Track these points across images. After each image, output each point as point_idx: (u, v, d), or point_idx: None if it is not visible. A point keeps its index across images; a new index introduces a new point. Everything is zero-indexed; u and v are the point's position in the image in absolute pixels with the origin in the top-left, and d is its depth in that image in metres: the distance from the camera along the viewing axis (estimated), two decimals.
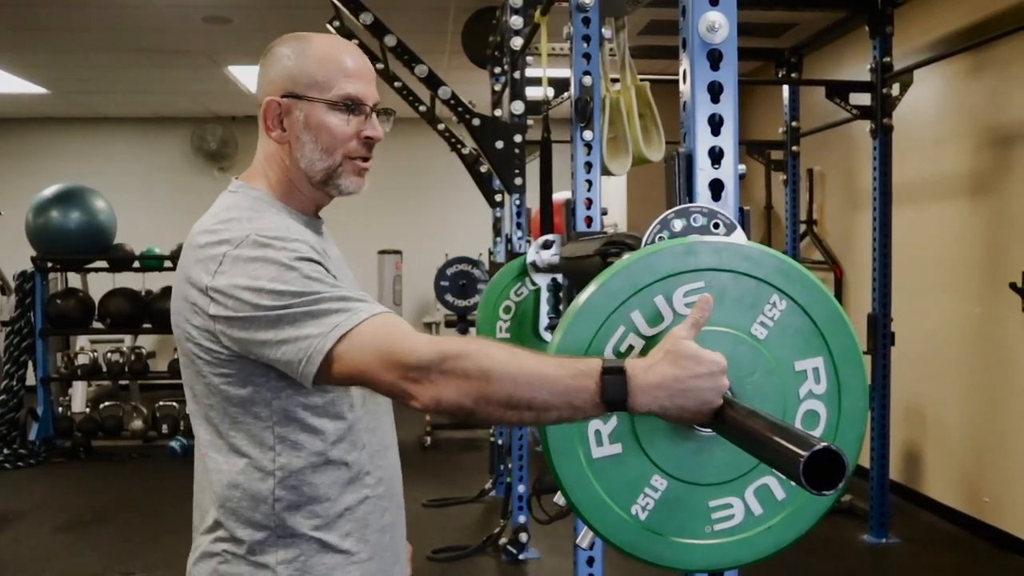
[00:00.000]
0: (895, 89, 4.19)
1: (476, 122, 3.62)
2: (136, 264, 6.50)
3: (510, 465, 4.20)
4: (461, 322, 6.16)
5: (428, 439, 6.34)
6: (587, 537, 1.48)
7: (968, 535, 4.31)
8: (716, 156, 1.22)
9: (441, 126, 5.03)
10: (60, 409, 6.45)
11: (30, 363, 6.27)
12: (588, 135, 2.31)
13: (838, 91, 4.39)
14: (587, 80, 2.29)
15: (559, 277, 2.39)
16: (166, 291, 6.11)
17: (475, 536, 4.27)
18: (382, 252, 8.36)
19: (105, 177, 8.13)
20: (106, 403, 6.46)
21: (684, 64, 1.23)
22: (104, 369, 6.49)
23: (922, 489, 4.79)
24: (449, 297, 6.08)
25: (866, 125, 4.27)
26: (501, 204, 4.99)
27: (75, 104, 8.21)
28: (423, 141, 7.90)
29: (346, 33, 4.02)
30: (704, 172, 1.22)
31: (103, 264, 6.53)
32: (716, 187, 1.22)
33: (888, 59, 4.17)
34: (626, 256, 1.08)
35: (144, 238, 6.88)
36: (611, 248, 1.48)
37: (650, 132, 2.35)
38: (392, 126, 1.33)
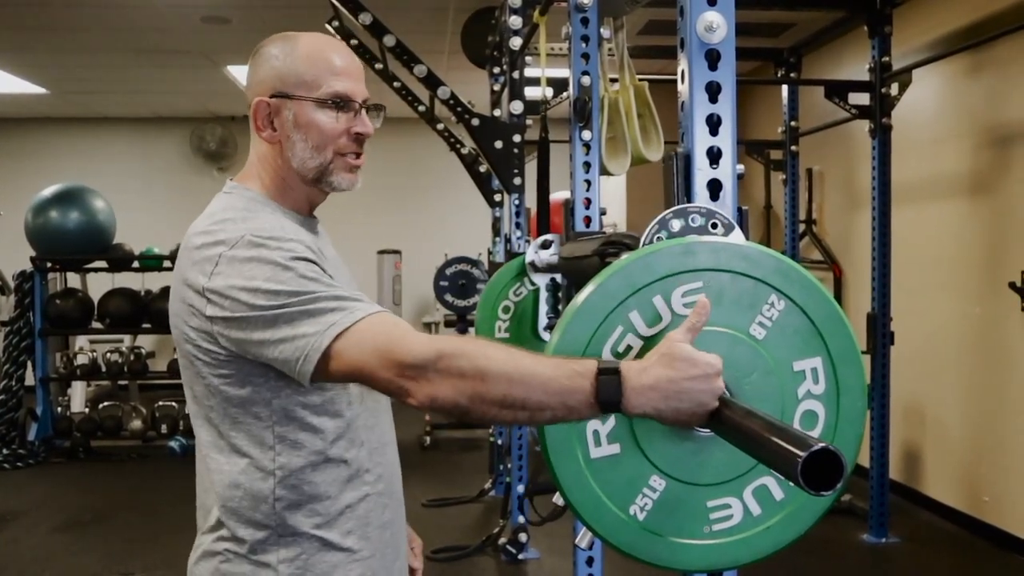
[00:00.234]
0: (894, 89, 4.19)
1: (475, 122, 3.62)
2: (135, 264, 6.50)
3: (509, 465, 4.20)
4: (460, 322, 6.16)
5: (428, 439, 6.34)
6: (586, 537, 1.48)
7: (968, 534, 4.31)
8: (714, 156, 1.22)
9: (440, 126, 5.03)
10: (59, 409, 6.45)
11: (29, 363, 6.27)
12: (587, 135, 2.31)
13: (837, 91, 4.39)
14: (586, 80, 2.29)
15: (558, 277, 2.39)
16: (165, 291, 6.10)
17: (475, 536, 4.27)
18: (381, 252, 8.36)
19: (104, 177, 8.13)
20: (105, 403, 6.46)
21: (682, 64, 1.23)
22: (103, 369, 6.48)
23: (922, 488, 4.79)
24: (448, 297, 6.08)
25: (865, 125, 4.27)
26: (500, 204, 4.99)
27: (74, 104, 8.21)
28: (422, 141, 7.91)
29: (345, 33, 4.02)
30: (702, 172, 1.22)
31: (102, 264, 6.53)
32: (714, 187, 1.22)
33: (887, 59, 4.17)
34: (624, 256, 1.08)
35: (143, 238, 6.88)
36: (609, 248, 1.49)
37: (649, 132, 2.35)
38: (383, 122, 1.33)
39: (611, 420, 1.06)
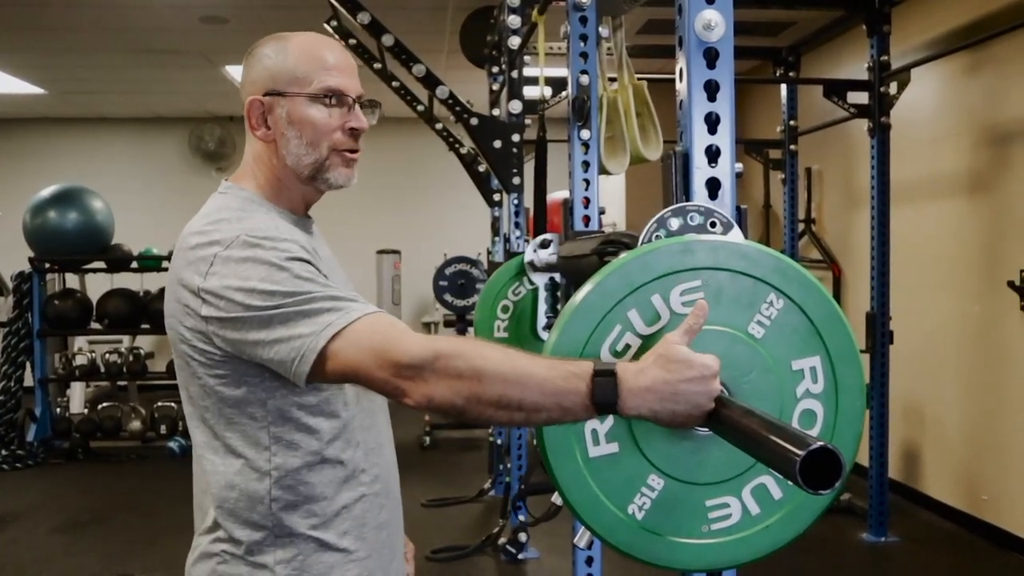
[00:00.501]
0: (893, 88, 4.19)
1: (474, 121, 3.61)
2: (134, 264, 6.50)
3: (509, 465, 4.20)
4: (460, 322, 6.16)
5: (427, 439, 6.34)
6: (585, 537, 1.47)
7: (967, 533, 4.31)
8: (713, 155, 1.22)
9: (439, 126, 5.02)
10: (58, 410, 6.44)
11: (28, 364, 6.27)
12: (585, 134, 2.31)
13: (836, 90, 4.38)
14: (584, 79, 2.28)
15: (557, 276, 2.39)
16: (164, 292, 6.09)
17: (474, 536, 4.26)
18: (380, 252, 8.36)
19: (103, 177, 8.12)
20: (104, 404, 6.45)
21: (680, 63, 1.22)
22: (102, 370, 6.48)
23: (921, 487, 4.79)
24: (448, 297, 6.08)
25: (864, 124, 4.27)
26: (499, 203, 4.99)
27: (72, 104, 8.20)
28: (421, 141, 7.90)
29: (344, 33, 4.02)
30: (701, 171, 1.22)
31: (101, 264, 6.52)
32: (713, 186, 1.22)
33: (886, 58, 4.17)
34: (623, 255, 1.08)
35: (142, 238, 6.88)
36: (608, 247, 1.48)
37: (648, 131, 2.35)
38: (382, 122, 1.33)
39: (609, 419, 1.06)
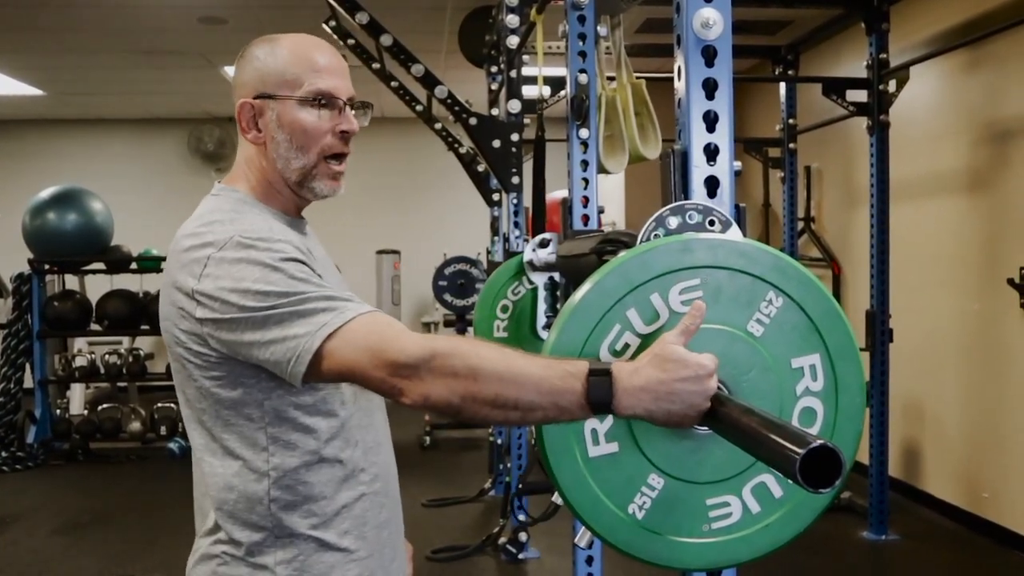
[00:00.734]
0: (891, 86, 4.18)
1: (473, 121, 3.61)
2: (133, 266, 6.49)
3: (509, 465, 4.20)
4: (460, 322, 6.16)
5: (427, 439, 6.33)
6: (585, 536, 1.47)
7: (967, 531, 4.31)
8: (711, 153, 1.21)
9: (438, 125, 5.02)
10: (58, 411, 6.44)
11: (28, 365, 6.26)
12: (584, 133, 2.30)
13: (835, 88, 4.38)
14: (583, 78, 2.28)
15: (556, 276, 2.39)
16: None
17: (474, 536, 4.26)
18: (380, 252, 8.35)
19: (102, 178, 8.11)
20: (104, 405, 6.45)
21: (679, 61, 1.22)
22: (102, 371, 6.47)
23: (921, 485, 4.79)
24: (447, 297, 6.08)
25: (863, 122, 4.27)
26: (499, 203, 4.98)
27: (71, 106, 8.20)
28: (420, 140, 7.89)
29: (342, 33, 4.01)
30: (699, 169, 1.21)
31: (100, 266, 6.52)
32: (712, 184, 1.22)
33: (884, 56, 4.17)
34: (622, 254, 1.08)
35: (141, 239, 6.87)
36: (607, 246, 1.48)
37: (647, 130, 2.35)
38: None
39: (609, 419, 1.05)
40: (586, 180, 2.33)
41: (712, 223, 1.16)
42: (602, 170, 2.35)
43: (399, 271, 8.38)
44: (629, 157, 2.32)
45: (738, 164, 1.23)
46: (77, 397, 7.16)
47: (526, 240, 3.76)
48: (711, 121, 1.21)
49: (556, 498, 1.47)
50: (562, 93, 2.75)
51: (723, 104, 1.21)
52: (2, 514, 4.83)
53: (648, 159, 2.32)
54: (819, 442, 0.80)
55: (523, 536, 4.01)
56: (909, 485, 4.86)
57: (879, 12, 4.13)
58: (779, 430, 0.85)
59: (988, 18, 4.10)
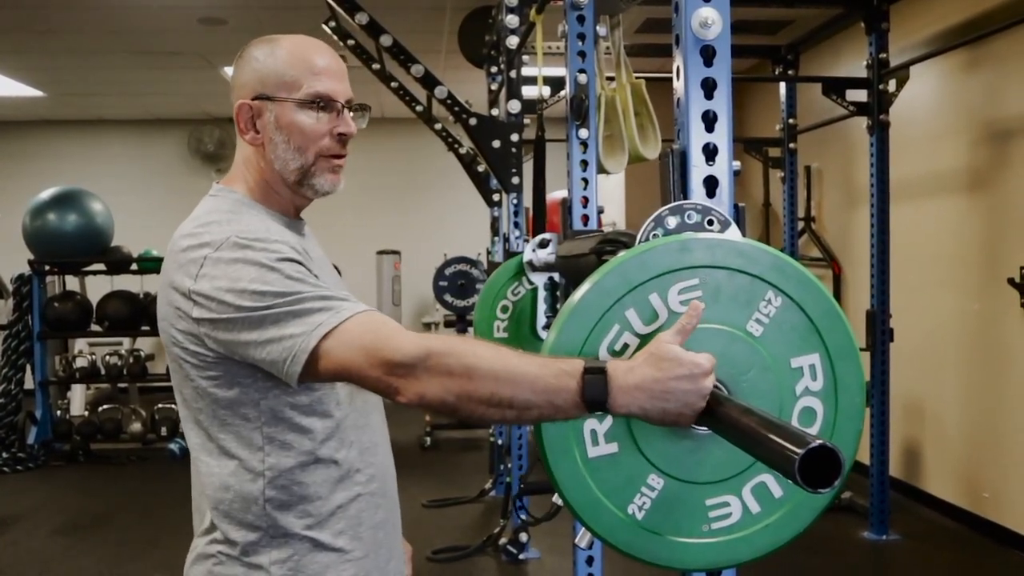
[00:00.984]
0: (891, 85, 4.18)
1: (473, 121, 3.61)
2: (134, 266, 6.49)
3: (509, 465, 4.19)
4: (460, 322, 6.16)
5: (428, 439, 6.33)
6: (585, 537, 1.47)
7: (968, 531, 4.31)
8: (710, 153, 1.21)
9: (438, 126, 5.02)
10: (59, 412, 6.44)
11: (28, 366, 6.26)
12: (584, 133, 2.30)
13: (835, 88, 4.38)
14: (582, 78, 2.28)
15: (556, 276, 2.38)
16: None
17: (475, 536, 4.26)
18: (380, 252, 8.35)
19: (102, 179, 8.11)
20: (105, 406, 6.45)
21: (677, 60, 1.22)
22: (102, 372, 6.47)
23: (922, 485, 4.78)
24: (448, 297, 6.07)
25: (863, 122, 4.27)
26: (499, 203, 4.98)
27: (71, 107, 8.20)
28: (420, 141, 7.89)
29: (342, 34, 4.01)
30: (698, 169, 1.21)
31: (101, 267, 6.52)
32: (711, 184, 1.22)
33: (884, 55, 4.17)
34: (621, 254, 1.08)
35: (142, 240, 6.87)
36: (606, 246, 1.48)
37: (646, 130, 2.35)
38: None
39: (608, 419, 1.05)
40: (585, 180, 2.33)
41: (711, 223, 1.16)
42: (602, 170, 2.35)
43: (399, 271, 8.38)
44: (629, 157, 2.32)
45: (737, 164, 1.23)
46: (78, 398, 7.16)
47: (526, 240, 3.76)
48: (710, 121, 1.21)
49: (556, 498, 1.47)
50: (562, 93, 2.75)
51: (722, 104, 1.21)
52: (3, 515, 4.83)
53: (648, 159, 2.32)
54: (818, 442, 0.80)
55: (524, 536, 4.01)
56: (910, 485, 4.86)
57: (879, 12, 4.13)
58: (778, 430, 0.85)
59: (988, 17, 4.10)
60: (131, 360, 6.48)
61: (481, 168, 4.89)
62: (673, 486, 1.06)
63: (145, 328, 6.40)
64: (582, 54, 2.28)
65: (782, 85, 5.22)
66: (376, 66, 4.11)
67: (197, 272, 1.13)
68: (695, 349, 1.00)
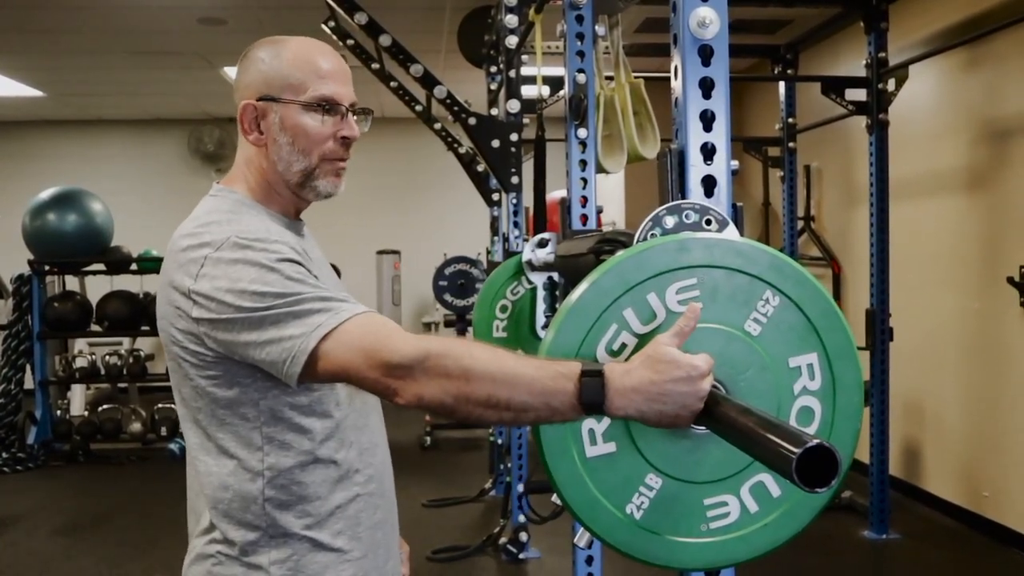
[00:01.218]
0: (891, 84, 4.18)
1: (472, 121, 3.61)
2: (134, 266, 6.49)
3: (510, 464, 4.19)
4: (460, 322, 6.16)
5: (428, 439, 6.34)
6: (584, 536, 1.47)
7: (968, 530, 4.31)
8: (708, 152, 1.21)
9: (438, 125, 5.02)
10: (58, 412, 6.44)
11: (28, 366, 6.26)
12: (583, 133, 2.30)
13: (834, 87, 4.38)
14: (581, 78, 2.28)
15: (555, 276, 2.38)
16: None
17: (475, 536, 4.26)
18: (380, 252, 8.36)
19: (102, 179, 8.12)
20: (105, 406, 6.46)
21: (675, 60, 1.22)
22: (102, 372, 6.48)
23: (922, 484, 4.78)
24: (448, 297, 6.07)
25: (862, 121, 4.27)
26: (498, 203, 4.98)
27: (71, 107, 8.20)
28: (420, 141, 7.89)
29: (341, 33, 4.01)
30: (696, 168, 1.21)
31: (100, 267, 6.52)
32: (709, 183, 1.21)
33: (883, 54, 4.16)
34: (619, 253, 1.08)
35: (141, 240, 6.87)
36: (604, 246, 1.48)
37: (645, 129, 2.35)
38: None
39: (606, 419, 1.05)
40: (584, 180, 2.33)
41: (709, 222, 1.16)
42: (601, 170, 2.35)
43: (399, 271, 8.38)
44: (627, 157, 2.32)
45: (735, 163, 1.23)
46: (77, 398, 7.17)
47: (525, 240, 3.76)
48: (708, 120, 1.21)
49: (555, 498, 1.47)
50: (561, 93, 2.75)
51: (720, 103, 1.21)
52: (3, 515, 4.83)
53: (647, 159, 2.32)
54: (815, 441, 0.80)
55: (523, 536, 4.01)
56: (910, 484, 4.86)
57: (878, 11, 4.13)
58: (776, 429, 0.85)
59: (987, 17, 4.10)
60: (131, 360, 6.49)
61: (480, 168, 4.89)
62: (671, 486, 1.06)
63: (145, 328, 6.41)
64: (581, 54, 2.28)
65: (781, 84, 5.22)
66: (375, 66, 4.10)
67: (197, 272, 1.13)
68: (693, 349, 1.00)
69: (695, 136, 1.21)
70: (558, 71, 2.78)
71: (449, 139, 5.16)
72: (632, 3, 2.30)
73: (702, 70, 1.20)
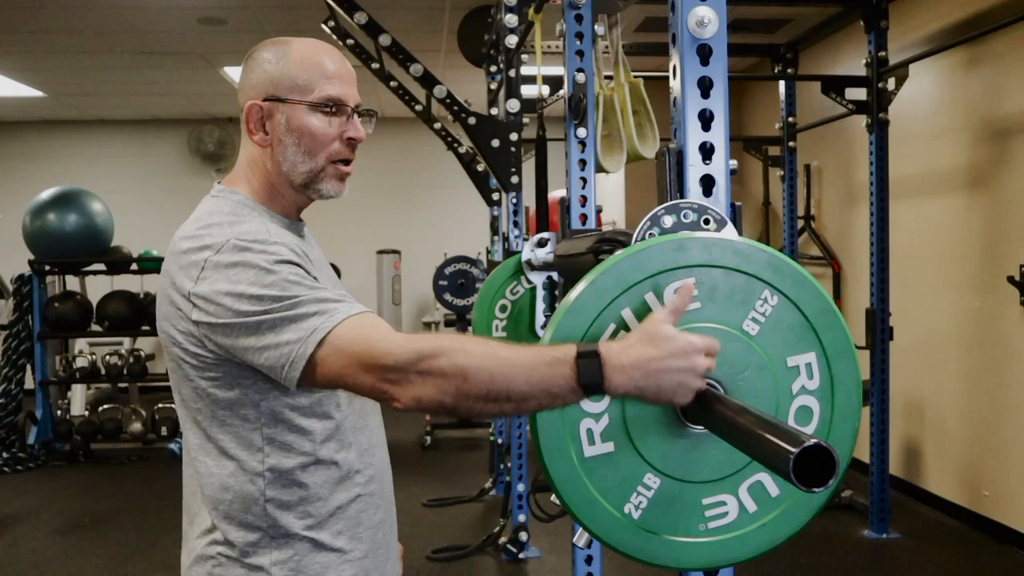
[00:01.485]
0: (891, 84, 4.18)
1: (472, 121, 3.60)
2: (134, 266, 6.50)
3: (510, 464, 4.19)
4: (460, 321, 6.15)
5: (428, 439, 6.34)
6: (583, 536, 1.47)
7: (968, 529, 4.31)
8: (707, 152, 1.21)
9: (437, 125, 5.02)
10: (59, 412, 6.44)
11: (28, 366, 6.27)
12: (582, 132, 2.30)
13: (834, 86, 4.38)
14: (580, 77, 2.28)
15: (554, 275, 2.38)
16: None
17: (475, 535, 4.26)
18: (380, 252, 8.36)
19: (102, 179, 8.13)
20: (105, 406, 6.45)
21: (674, 60, 1.22)
22: (103, 372, 6.48)
23: (922, 484, 4.78)
24: (448, 296, 6.07)
25: (862, 120, 4.27)
26: (498, 203, 4.98)
27: (71, 107, 8.20)
28: (420, 140, 7.90)
29: (341, 33, 4.01)
30: (695, 168, 1.21)
31: (101, 267, 6.53)
32: (707, 183, 1.21)
33: (883, 54, 4.16)
34: (617, 253, 1.08)
35: (142, 240, 6.88)
36: (603, 245, 1.48)
37: (644, 129, 2.34)
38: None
39: (605, 418, 1.05)
40: (584, 179, 2.32)
41: (707, 222, 1.16)
42: (600, 169, 2.35)
43: (399, 271, 8.38)
44: (627, 156, 2.32)
45: (734, 163, 1.23)
46: (78, 398, 7.17)
47: (525, 239, 3.76)
48: (706, 120, 1.21)
49: (555, 498, 1.47)
50: (561, 92, 2.75)
51: (719, 103, 1.21)
52: (3, 515, 4.84)
53: (646, 158, 2.32)
54: (813, 441, 0.80)
55: (523, 536, 4.01)
56: (910, 483, 4.86)
57: (878, 10, 4.13)
58: (773, 429, 0.85)
59: (987, 16, 4.10)
60: (131, 360, 6.49)
61: (480, 167, 4.89)
62: (669, 485, 1.06)
63: (145, 328, 6.41)
64: (580, 53, 2.28)
65: (781, 84, 5.22)
66: (375, 66, 4.11)
67: (198, 275, 1.13)
68: None
69: (693, 135, 1.21)
70: (558, 71, 2.78)
71: (449, 139, 5.16)
72: (631, 2, 2.30)
73: (700, 69, 1.20)
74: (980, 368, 4.27)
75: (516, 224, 3.98)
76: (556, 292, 2.40)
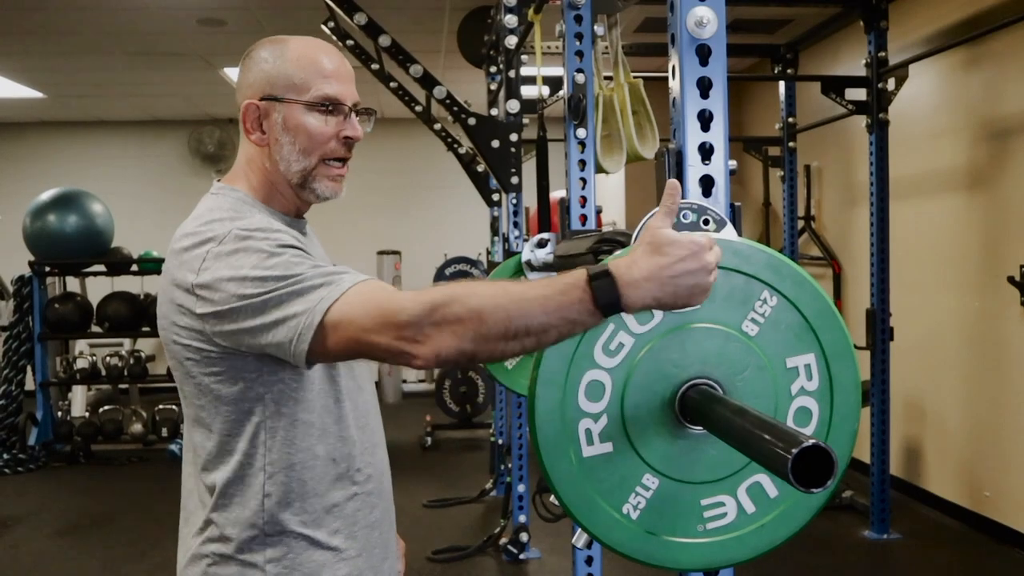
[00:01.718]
0: (891, 84, 4.18)
1: (472, 121, 3.60)
2: (134, 267, 6.50)
3: (510, 465, 4.19)
4: None
5: (428, 440, 6.34)
6: (583, 537, 1.47)
7: (969, 530, 4.31)
8: (706, 152, 1.21)
9: (437, 126, 5.02)
10: (59, 413, 6.44)
11: (29, 368, 6.27)
12: (582, 133, 2.30)
13: (834, 86, 4.37)
14: (580, 78, 2.28)
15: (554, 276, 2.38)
16: None
17: (475, 536, 4.26)
18: (381, 252, 8.36)
19: (102, 181, 8.12)
20: (105, 407, 6.45)
21: (673, 60, 1.22)
22: (103, 373, 6.48)
23: (922, 484, 4.78)
24: None
25: (862, 120, 4.27)
26: (498, 203, 4.98)
27: (71, 108, 8.21)
28: (420, 141, 7.90)
29: (341, 34, 4.01)
30: (694, 168, 1.21)
31: (101, 268, 6.53)
32: (706, 183, 1.21)
33: (883, 54, 4.16)
34: (616, 253, 1.08)
35: (142, 241, 6.88)
36: (603, 246, 1.48)
37: (644, 129, 2.34)
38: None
39: (603, 419, 1.05)
40: (584, 180, 2.32)
41: (707, 222, 1.16)
42: (600, 170, 2.35)
43: (400, 271, 8.38)
44: (627, 157, 2.32)
45: (734, 163, 1.23)
46: (78, 399, 7.16)
47: (525, 240, 3.75)
48: (706, 120, 1.21)
49: (554, 498, 1.47)
50: (561, 93, 2.75)
51: (718, 103, 1.21)
52: (4, 516, 4.84)
53: (646, 159, 2.32)
54: (811, 442, 0.80)
55: (524, 536, 4.01)
56: (910, 484, 4.86)
57: (878, 10, 4.13)
58: (771, 430, 0.85)
59: (987, 16, 4.10)
60: (132, 361, 6.49)
61: (480, 168, 4.89)
62: (668, 486, 1.06)
63: (145, 329, 6.41)
64: (580, 54, 2.28)
65: (781, 84, 5.22)
66: (375, 66, 4.10)
67: (200, 266, 1.12)
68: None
69: (693, 136, 1.21)
70: (558, 71, 2.78)
71: (449, 139, 5.16)
72: (631, 3, 2.30)
73: (700, 70, 1.20)
74: (980, 368, 4.27)
75: (516, 225, 3.98)
76: None
